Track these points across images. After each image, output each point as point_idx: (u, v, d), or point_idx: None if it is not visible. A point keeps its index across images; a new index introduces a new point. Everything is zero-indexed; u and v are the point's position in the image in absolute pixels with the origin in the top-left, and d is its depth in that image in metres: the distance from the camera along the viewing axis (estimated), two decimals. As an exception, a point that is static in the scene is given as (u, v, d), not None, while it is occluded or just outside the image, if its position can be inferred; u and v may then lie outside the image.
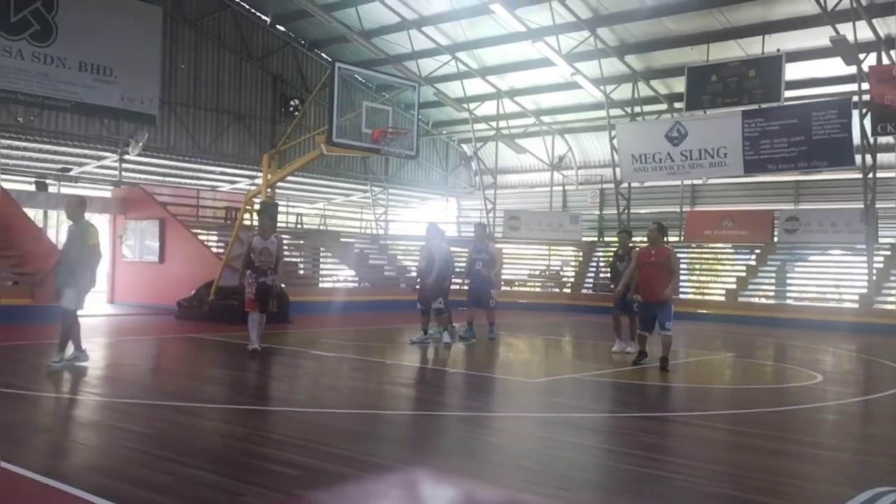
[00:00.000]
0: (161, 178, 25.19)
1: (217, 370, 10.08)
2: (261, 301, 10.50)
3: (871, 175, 20.11)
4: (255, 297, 10.46)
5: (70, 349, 8.78)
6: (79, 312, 8.78)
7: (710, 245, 25.00)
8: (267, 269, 10.46)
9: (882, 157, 21.10)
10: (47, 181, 21.70)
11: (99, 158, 22.55)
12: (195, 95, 23.46)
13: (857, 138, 19.68)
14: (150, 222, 19.41)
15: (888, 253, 21.11)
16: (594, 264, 26.33)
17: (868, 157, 20.07)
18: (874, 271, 20.37)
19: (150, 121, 21.13)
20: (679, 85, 22.44)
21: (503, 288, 17.58)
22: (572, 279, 26.18)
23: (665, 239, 10.63)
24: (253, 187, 21.62)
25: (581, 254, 26.80)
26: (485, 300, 13.14)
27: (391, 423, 6.88)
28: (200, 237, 19.99)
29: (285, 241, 21.97)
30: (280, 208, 18.93)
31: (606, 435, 6.66)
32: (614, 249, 13.44)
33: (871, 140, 19.84)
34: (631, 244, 12.67)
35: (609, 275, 14.84)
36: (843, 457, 6.00)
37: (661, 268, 10.05)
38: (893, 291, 20.47)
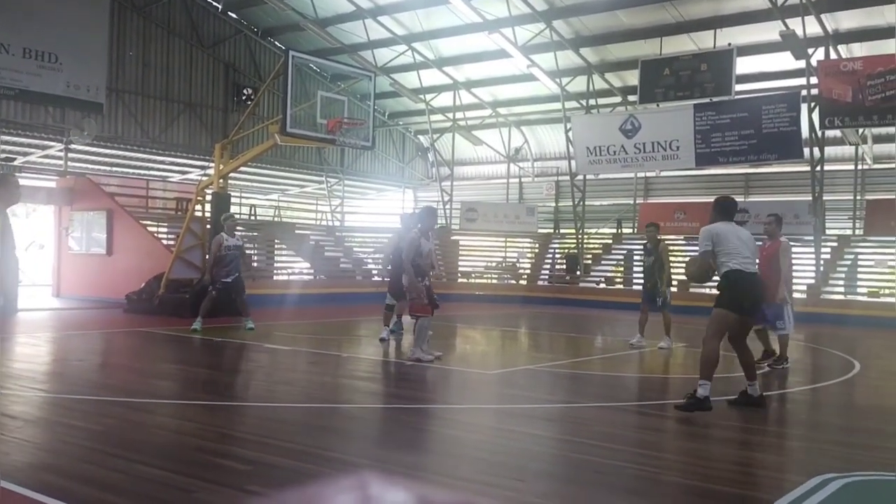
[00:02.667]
0: (109, 168, 24.64)
1: (168, 365, 9.89)
2: (432, 303, 9.83)
3: (818, 168, 20.55)
4: (428, 301, 9.67)
5: None
6: None
7: (663, 236, 25.31)
8: (428, 270, 9.92)
9: (829, 151, 21.63)
10: (-10, 171, 21.08)
11: (44, 148, 21.95)
12: (144, 83, 22.96)
13: (805, 132, 20.09)
14: (97, 213, 18.95)
15: (835, 244, 21.64)
16: (550, 256, 26.53)
17: (816, 151, 20.51)
18: (821, 262, 20.85)
19: (96, 109, 20.60)
20: (633, 78, 22.66)
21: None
22: (528, 271, 26.32)
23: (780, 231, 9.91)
24: (205, 178, 21.26)
25: (537, 245, 26.96)
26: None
27: (346, 417, 6.82)
28: (150, 229, 19.58)
29: (243, 235, 21.77)
30: (233, 199, 18.67)
31: (562, 425, 6.69)
32: (643, 243, 12.96)
33: (819, 133, 20.27)
34: (659, 238, 12.29)
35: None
36: (792, 444, 6.11)
37: (771, 263, 9.38)
38: (840, 282, 21.00)
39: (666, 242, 12.59)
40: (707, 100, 20.99)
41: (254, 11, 24.81)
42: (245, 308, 13.08)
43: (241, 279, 13.14)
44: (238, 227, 14.42)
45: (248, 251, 22.12)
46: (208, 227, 16.66)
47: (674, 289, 12.80)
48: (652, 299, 11.89)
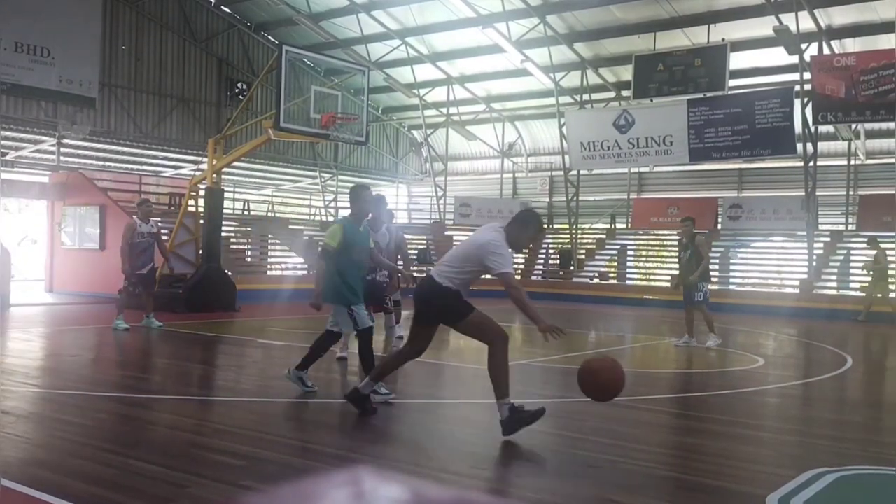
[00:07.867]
0: (101, 163, 24.54)
1: (161, 360, 9.87)
2: None
3: (811, 163, 20.61)
4: None
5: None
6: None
7: (656, 232, 25.39)
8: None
9: (822, 146, 21.66)
10: (-18, 166, 20.97)
11: (36, 142, 21.85)
12: (136, 78, 22.86)
13: (798, 127, 20.14)
14: (90, 208, 18.88)
15: (827, 239, 21.71)
16: (543, 251, 26.54)
17: (809, 146, 20.56)
18: (814, 257, 20.92)
19: (89, 103, 20.52)
20: (626, 73, 22.66)
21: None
22: (522, 266, 26.31)
23: None
24: (198, 173, 21.21)
25: (530, 240, 26.94)
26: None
27: (340, 412, 6.81)
28: (144, 224, 19.49)
29: (231, 228, 21.75)
30: (227, 194, 18.63)
31: (555, 420, 6.69)
32: (677, 239, 12.47)
33: (812, 129, 20.33)
34: (695, 231, 11.81)
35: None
36: (784, 439, 6.13)
37: None
38: (833, 277, 21.07)
39: (703, 237, 12.04)
40: (701, 95, 21.03)
41: (247, 6, 24.73)
42: (150, 305, 12.04)
43: (153, 271, 12.17)
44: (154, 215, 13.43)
45: (241, 246, 22.12)
46: (201, 222, 16.62)
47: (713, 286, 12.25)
48: (690, 296, 11.44)
